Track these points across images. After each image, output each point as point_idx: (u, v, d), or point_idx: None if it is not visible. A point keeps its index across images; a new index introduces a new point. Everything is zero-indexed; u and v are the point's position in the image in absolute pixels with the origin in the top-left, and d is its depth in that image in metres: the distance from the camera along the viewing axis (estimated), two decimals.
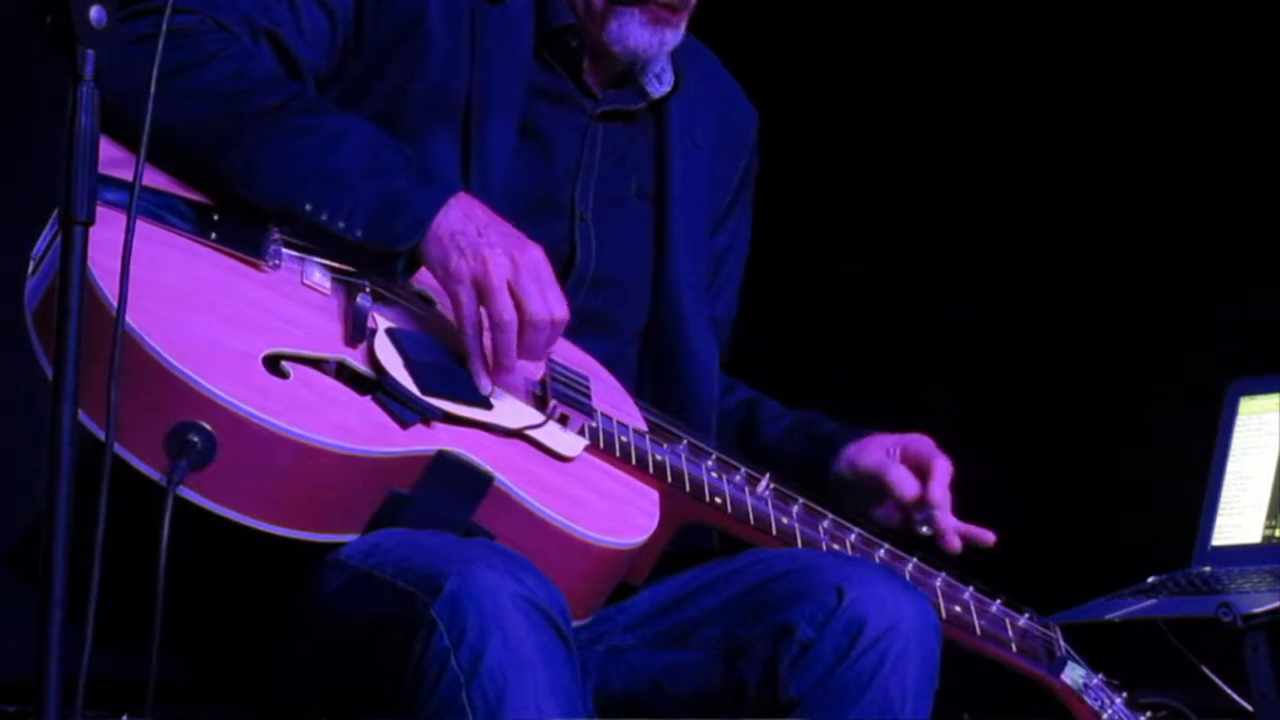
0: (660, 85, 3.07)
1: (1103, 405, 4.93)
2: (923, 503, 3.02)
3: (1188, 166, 4.86)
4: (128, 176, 2.49)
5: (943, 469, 3.03)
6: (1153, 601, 3.76)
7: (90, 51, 2.19)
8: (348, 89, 2.85)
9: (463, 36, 2.91)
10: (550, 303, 2.69)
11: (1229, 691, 3.64)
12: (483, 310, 2.68)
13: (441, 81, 2.88)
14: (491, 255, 2.67)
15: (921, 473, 3.04)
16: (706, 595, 2.85)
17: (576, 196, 3.00)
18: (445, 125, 2.88)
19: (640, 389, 3.00)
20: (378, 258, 2.69)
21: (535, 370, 2.76)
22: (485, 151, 2.89)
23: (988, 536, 3.05)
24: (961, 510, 3.05)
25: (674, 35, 2.98)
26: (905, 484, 3.02)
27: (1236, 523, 3.97)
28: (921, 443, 3.07)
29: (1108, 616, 3.72)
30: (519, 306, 2.67)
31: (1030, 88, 5.08)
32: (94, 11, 2.18)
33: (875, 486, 3.05)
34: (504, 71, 2.92)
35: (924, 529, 3.02)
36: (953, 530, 3.02)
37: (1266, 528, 3.93)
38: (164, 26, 2.32)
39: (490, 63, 2.91)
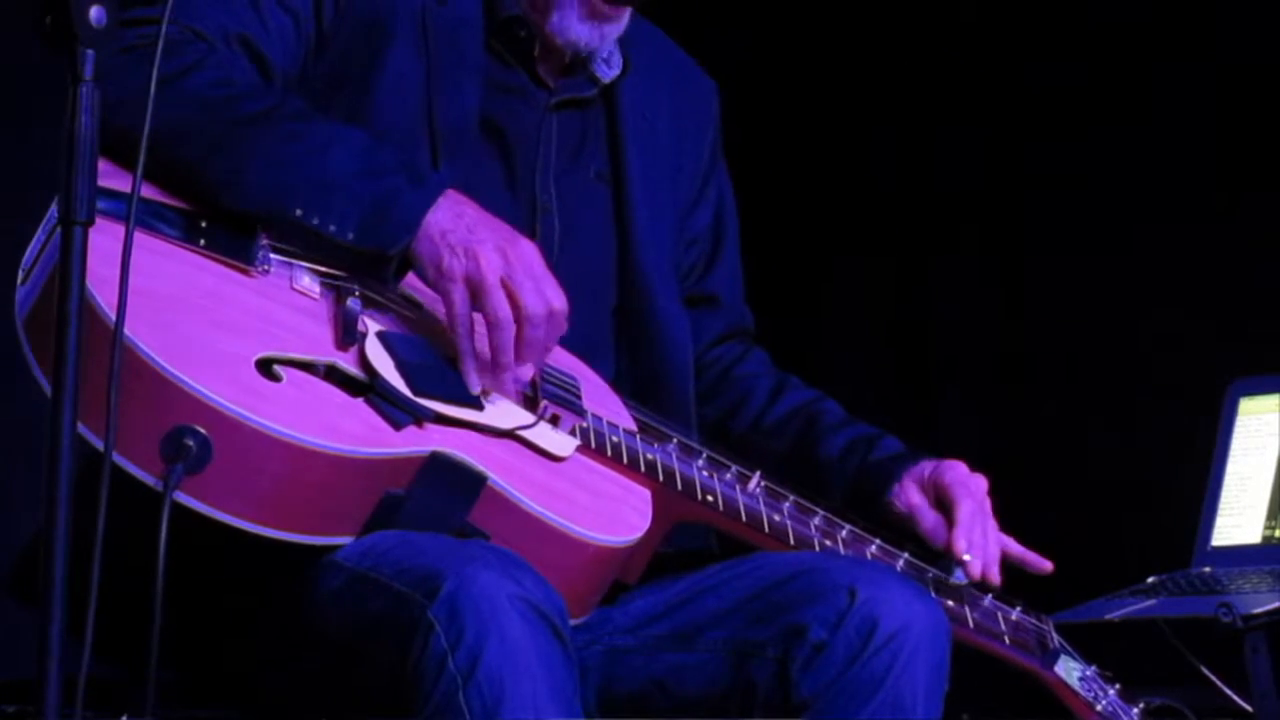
0: (610, 69, 3.07)
1: (1103, 405, 4.93)
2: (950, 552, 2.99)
3: (1189, 166, 4.86)
4: (114, 186, 2.50)
5: (965, 515, 2.99)
6: (1153, 601, 3.76)
7: (90, 52, 2.19)
8: (313, 91, 2.85)
9: (417, 34, 2.91)
10: (547, 295, 2.70)
11: (1229, 691, 3.64)
12: (475, 310, 2.68)
13: (399, 81, 2.89)
14: (483, 252, 2.68)
15: (947, 514, 3.02)
16: (712, 597, 2.85)
17: (538, 188, 3.00)
18: (406, 124, 2.88)
19: (617, 373, 3.01)
20: (370, 260, 2.70)
21: (526, 370, 2.77)
22: (448, 148, 2.89)
23: (1044, 564, 3.04)
24: None
25: (615, 28, 2.99)
26: (937, 533, 3.01)
27: (1236, 523, 3.96)
28: (949, 476, 3.04)
29: (1107, 616, 3.72)
30: (514, 303, 2.68)
31: (1031, 85, 5.09)
32: (94, 11, 2.19)
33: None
34: (459, 67, 2.93)
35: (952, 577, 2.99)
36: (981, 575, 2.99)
37: (1266, 528, 3.93)
38: (161, 38, 2.33)
39: (444, 59, 2.91)
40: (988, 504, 3.04)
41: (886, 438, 3.15)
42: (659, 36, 3.19)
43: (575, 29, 2.96)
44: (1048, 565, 3.05)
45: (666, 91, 3.17)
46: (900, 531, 3.04)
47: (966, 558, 2.96)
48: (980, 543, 2.98)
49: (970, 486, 3.03)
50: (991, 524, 3.02)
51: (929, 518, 3.02)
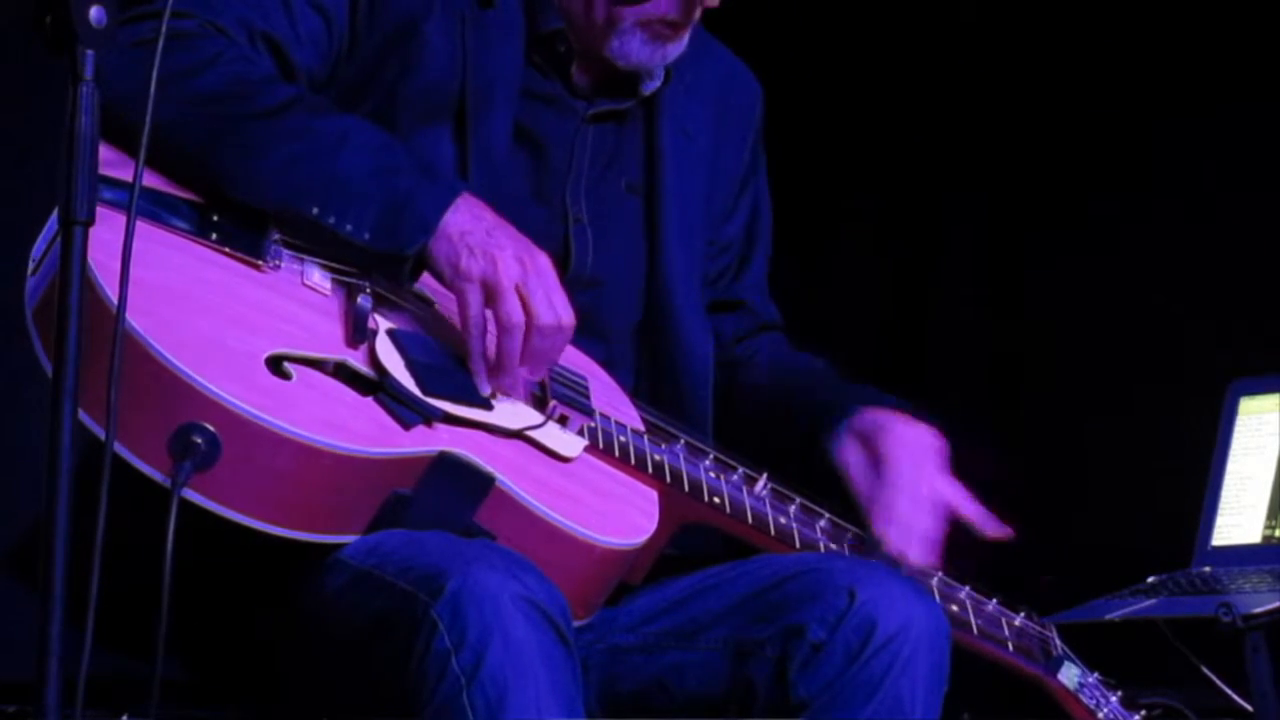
0: (651, 82, 3.04)
1: (1103, 405, 4.94)
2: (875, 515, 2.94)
3: (1188, 167, 4.86)
4: (125, 177, 2.50)
5: (890, 484, 2.93)
6: (1153, 601, 3.76)
7: (90, 52, 2.19)
8: (342, 92, 2.84)
9: (455, 40, 2.90)
10: (558, 308, 2.69)
11: (1229, 691, 3.65)
12: (488, 311, 2.68)
13: (435, 85, 2.87)
14: (501, 256, 2.67)
15: (880, 479, 2.97)
16: (713, 596, 2.85)
17: (569, 198, 2.99)
18: (439, 129, 2.87)
19: (637, 387, 3.00)
20: (386, 260, 2.69)
21: (535, 372, 2.76)
22: (480, 155, 2.88)
23: (1002, 530, 2.99)
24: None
25: (676, 48, 2.96)
26: (863, 501, 2.95)
27: (1236, 523, 3.97)
28: (886, 438, 2.97)
29: (1107, 616, 3.72)
30: (527, 310, 2.67)
31: (1032, 87, 5.09)
32: (94, 11, 2.19)
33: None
34: (496, 75, 2.91)
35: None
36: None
37: (1266, 528, 3.94)
38: (163, 30, 2.32)
39: (482, 66, 2.90)
40: (932, 460, 2.97)
41: (827, 381, 3.10)
42: (704, 39, 3.15)
43: (638, 52, 2.94)
44: (1007, 531, 2.98)
45: (710, 97, 3.15)
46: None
47: (902, 556, 2.91)
48: (906, 514, 2.92)
49: (907, 440, 2.96)
50: (932, 486, 2.94)
51: (864, 485, 2.97)
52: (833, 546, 2.92)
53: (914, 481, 2.94)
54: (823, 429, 3.02)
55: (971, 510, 2.98)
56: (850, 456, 2.99)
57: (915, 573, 2.94)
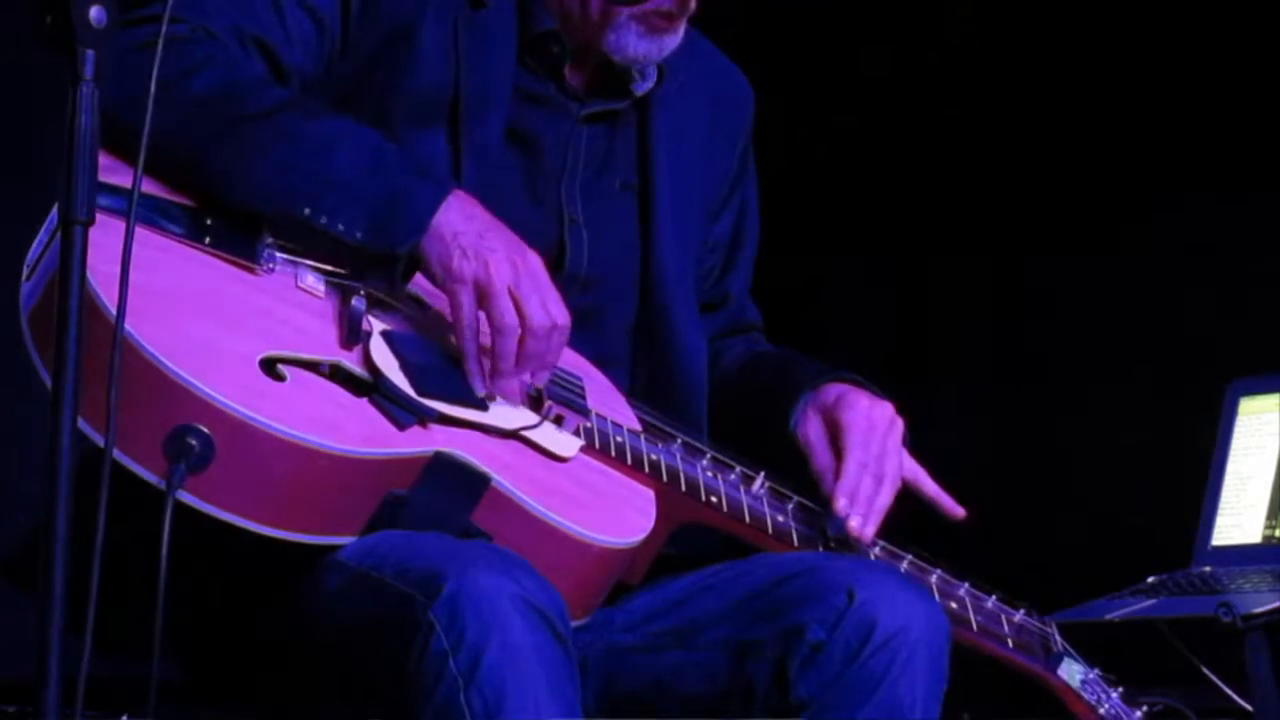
0: (644, 82, 3.04)
1: (1103, 405, 4.94)
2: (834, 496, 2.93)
3: (1187, 167, 4.86)
4: (119, 182, 2.50)
5: (853, 465, 2.93)
6: (1153, 601, 3.76)
7: (90, 51, 2.19)
8: (336, 93, 2.84)
9: (448, 41, 2.90)
10: (551, 310, 2.69)
11: (1229, 691, 3.64)
12: (481, 314, 2.68)
13: (429, 87, 2.87)
14: (493, 258, 2.67)
15: (839, 458, 2.96)
16: (712, 596, 2.85)
17: (564, 198, 2.99)
18: (433, 129, 2.87)
19: (632, 386, 3.00)
20: (378, 260, 2.69)
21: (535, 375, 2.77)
22: (475, 156, 2.88)
23: (957, 510, 2.98)
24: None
25: (673, 40, 2.95)
26: (824, 478, 2.95)
27: (1236, 523, 3.97)
28: (847, 415, 2.97)
29: (1107, 616, 3.72)
30: (520, 312, 2.68)
31: (1032, 87, 5.09)
32: (94, 11, 2.19)
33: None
34: (489, 76, 2.91)
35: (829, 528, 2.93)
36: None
37: (1266, 528, 3.94)
38: (162, 35, 2.33)
39: (475, 67, 2.90)
40: (893, 438, 2.97)
41: (794, 364, 3.11)
42: (698, 40, 3.14)
43: (634, 46, 2.93)
44: (960, 511, 2.99)
45: (703, 98, 3.15)
46: (895, 529, 3.00)
47: (847, 520, 2.90)
48: (855, 480, 2.92)
49: (872, 420, 2.97)
50: (886, 457, 2.95)
51: (822, 458, 2.97)
52: (831, 545, 2.92)
53: (867, 449, 2.95)
54: (788, 407, 3.03)
55: (929, 487, 3.00)
56: (812, 431, 3.00)
57: (913, 570, 2.95)
